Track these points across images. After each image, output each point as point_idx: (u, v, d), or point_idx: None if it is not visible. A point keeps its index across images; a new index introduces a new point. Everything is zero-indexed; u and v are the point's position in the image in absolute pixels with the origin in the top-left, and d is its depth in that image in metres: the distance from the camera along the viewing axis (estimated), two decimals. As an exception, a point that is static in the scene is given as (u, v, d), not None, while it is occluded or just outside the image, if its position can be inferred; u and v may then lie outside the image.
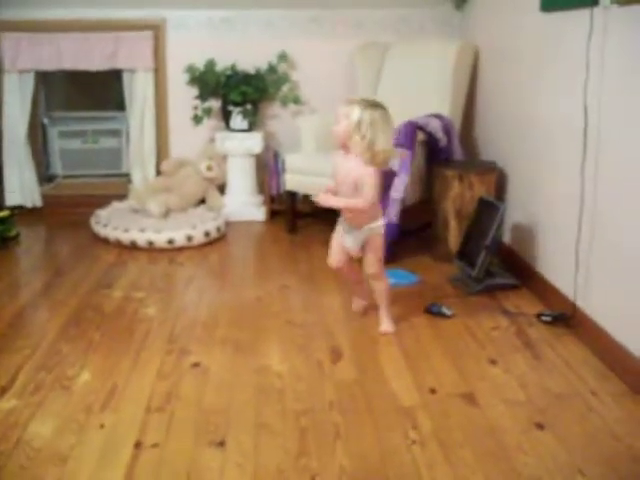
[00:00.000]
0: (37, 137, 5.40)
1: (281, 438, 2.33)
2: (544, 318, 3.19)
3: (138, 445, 2.29)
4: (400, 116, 4.14)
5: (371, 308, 3.31)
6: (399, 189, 3.87)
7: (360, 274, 3.28)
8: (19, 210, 5.01)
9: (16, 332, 3.18)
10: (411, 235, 4.26)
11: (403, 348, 2.97)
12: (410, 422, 2.42)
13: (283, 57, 4.93)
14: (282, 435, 2.35)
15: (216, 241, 4.41)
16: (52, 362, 2.87)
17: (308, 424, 2.41)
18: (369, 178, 2.88)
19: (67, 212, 5.12)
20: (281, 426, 2.40)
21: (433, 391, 2.62)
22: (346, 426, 2.40)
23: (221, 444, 2.30)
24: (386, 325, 3.17)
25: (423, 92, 4.52)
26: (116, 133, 5.55)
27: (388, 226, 3.84)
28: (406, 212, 3.95)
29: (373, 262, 3.10)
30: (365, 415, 2.47)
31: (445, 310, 3.28)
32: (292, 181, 4.45)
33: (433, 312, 3.29)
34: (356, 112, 2.84)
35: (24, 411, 2.51)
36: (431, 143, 4.13)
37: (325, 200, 3.00)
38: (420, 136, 4.04)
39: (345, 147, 2.93)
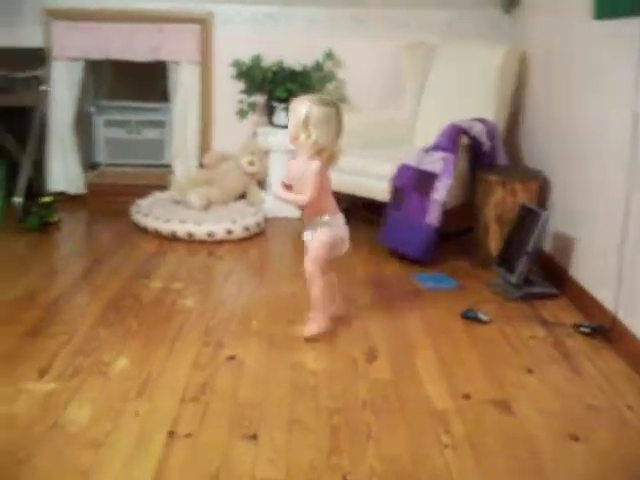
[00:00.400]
0: (83, 125, 5.46)
1: (313, 435, 2.33)
2: (583, 329, 3.15)
3: (172, 434, 2.31)
4: (444, 119, 4.15)
5: (399, 309, 3.32)
6: (441, 192, 3.85)
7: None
8: (62, 196, 5.07)
9: (55, 316, 3.23)
10: (451, 239, 4.24)
11: (438, 352, 2.96)
12: (443, 426, 2.41)
13: (329, 55, 4.93)
14: (315, 432, 2.35)
15: (255, 236, 4.42)
16: (90, 347, 2.90)
17: (341, 422, 2.41)
18: (311, 174, 2.89)
19: (109, 200, 5.17)
20: (314, 423, 2.40)
21: (467, 397, 2.61)
22: (378, 427, 2.39)
23: (254, 438, 2.31)
24: (309, 328, 3.06)
25: (468, 95, 4.49)
26: (160, 124, 5.59)
27: (428, 229, 3.84)
28: (447, 215, 3.93)
29: (308, 260, 3.03)
30: (398, 417, 2.46)
31: (482, 316, 3.26)
32: (335, 179, 4.42)
33: (470, 317, 3.27)
34: (303, 109, 2.88)
35: (62, 395, 2.54)
36: (475, 147, 4.10)
37: (275, 193, 3.11)
38: (464, 140, 4.02)
39: (295, 142, 2.96)
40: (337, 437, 2.33)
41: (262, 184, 4.92)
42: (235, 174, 4.81)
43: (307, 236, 3.08)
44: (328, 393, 2.60)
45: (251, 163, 4.80)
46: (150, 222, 4.38)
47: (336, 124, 2.92)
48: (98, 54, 5.06)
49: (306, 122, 2.86)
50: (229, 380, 2.67)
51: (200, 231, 4.25)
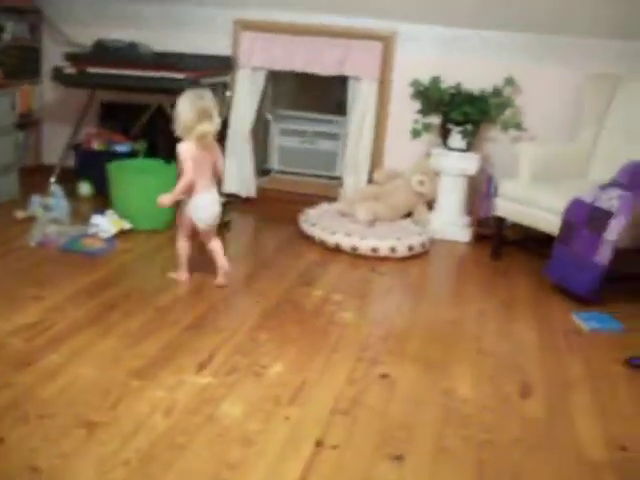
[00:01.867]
0: (259, 132, 5.65)
1: (460, 465, 2.31)
2: None
3: (319, 444, 2.35)
4: (624, 155, 3.99)
5: (557, 346, 3.22)
6: (614, 232, 3.70)
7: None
8: (234, 198, 5.27)
9: (218, 314, 3.36)
10: (623, 281, 4.06)
11: (596, 397, 2.84)
12: (593, 479, 2.31)
13: (510, 81, 4.86)
14: (461, 462, 2.32)
15: (418, 256, 4.41)
16: (248, 348, 3.00)
17: (489, 457, 2.37)
18: (180, 154, 3.55)
19: (277, 206, 5.33)
20: (462, 453, 2.37)
21: (624, 449, 2.49)
22: (525, 468, 2.33)
23: (399, 459, 2.30)
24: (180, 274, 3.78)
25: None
26: (334, 137, 5.69)
27: (597, 268, 3.70)
28: (620, 256, 3.77)
29: None
30: (547, 461, 2.38)
31: (649, 365, 3.12)
32: (503, 207, 4.38)
33: (635, 365, 3.12)
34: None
35: (218, 389, 2.64)
36: (657, 188, 3.92)
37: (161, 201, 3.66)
38: (645, 179, 3.85)
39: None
40: (483, 471, 2.29)
41: (430, 205, 4.91)
42: (404, 192, 4.83)
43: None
44: (479, 425, 2.56)
45: (421, 183, 4.80)
46: (316, 232, 4.46)
47: (199, 103, 3.50)
48: (282, 65, 5.23)
49: (176, 111, 3.54)
50: (380, 398, 2.68)
51: (364, 246, 4.28)
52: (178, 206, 3.73)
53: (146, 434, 2.33)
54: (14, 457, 2.17)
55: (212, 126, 3.53)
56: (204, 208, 3.63)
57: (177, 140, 3.48)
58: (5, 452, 2.20)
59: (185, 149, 3.53)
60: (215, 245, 3.73)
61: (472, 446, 2.42)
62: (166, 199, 3.62)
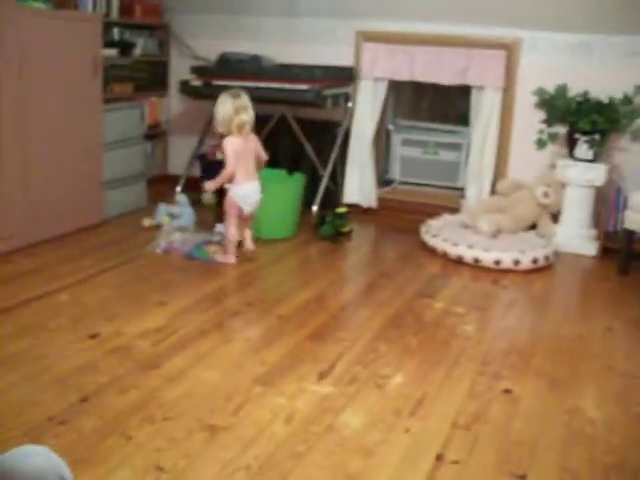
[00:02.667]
0: (381, 142, 5.65)
1: (586, 487, 2.22)
2: None
3: (440, 458, 2.31)
4: None
5: None
6: None
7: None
8: (355, 208, 5.29)
9: (339, 324, 3.37)
10: None
11: None
12: None
13: (641, 89, 4.69)
14: (588, 483, 2.24)
15: (542, 269, 4.29)
16: (368, 359, 2.99)
17: (617, 480, 2.27)
18: (224, 147, 4.04)
19: (398, 216, 5.32)
20: (587, 476, 2.28)
21: None
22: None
23: (522, 478, 2.23)
24: (221, 256, 4.15)
25: None
26: (457, 147, 5.61)
27: None
28: None
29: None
30: (683, 485, 2.27)
31: None
32: (633, 220, 4.21)
33: None
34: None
35: (338, 399, 2.64)
36: None
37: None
38: None
39: None
40: (612, 495, 2.20)
41: (555, 217, 4.77)
42: (528, 204, 4.71)
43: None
44: (606, 447, 2.45)
45: (546, 194, 4.67)
46: (438, 243, 4.42)
47: (231, 100, 4.05)
48: (403, 75, 5.21)
49: (216, 111, 4.09)
50: (502, 414, 2.61)
51: (487, 258, 4.21)
52: (223, 194, 4.23)
53: (266, 441, 2.35)
54: (140, 455, 2.24)
55: (248, 116, 4.07)
56: (250, 196, 4.12)
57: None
58: (132, 450, 2.27)
59: (229, 143, 4.04)
60: (248, 232, 4.22)
61: (598, 469, 2.32)
62: (211, 185, 4.14)
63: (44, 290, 3.57)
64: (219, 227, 4.43)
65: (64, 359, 2.85)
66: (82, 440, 2.31)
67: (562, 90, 4.82)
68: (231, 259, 4.11)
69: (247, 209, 4.10)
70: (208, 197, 5.22)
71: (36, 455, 1.26)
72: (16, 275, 3.76)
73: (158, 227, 4.56)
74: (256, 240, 4.34)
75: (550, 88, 4.86)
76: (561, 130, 4.87)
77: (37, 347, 2.95)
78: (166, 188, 5.31)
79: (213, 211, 5.03)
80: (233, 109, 4.01)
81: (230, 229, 4.11)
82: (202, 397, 2.61)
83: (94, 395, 2.59)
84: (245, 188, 4.09)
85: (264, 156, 4.26)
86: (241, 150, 4.05)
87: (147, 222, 4.71)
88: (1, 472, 1.21)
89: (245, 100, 4.07)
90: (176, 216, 4.59)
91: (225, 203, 4.14)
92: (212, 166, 4.97)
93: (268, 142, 5.39)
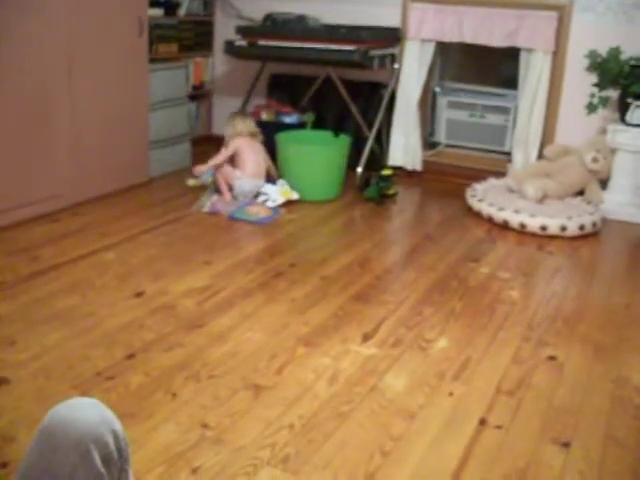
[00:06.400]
0: (427, 104, 5.58)
1: (631, 456, 2.19)
2: None
3: (483, 422, 2.31)
4: None
5: None
6: None
7: None
8: (400, 171, 5.25)
9: (384, 286, 3.36)
10: None
11: None
12: None
13: (698, 52, 4.56)
14: (633, 453, 2.21)
15: (589, 236, 4.23)
16: (413, 321, 2.99)
17: (663, 449, 2.25)
18: (231, 137, 4.55)
19: (443, 180, 5.28)
20: (633, 443, 2.26)
21: None
22: None
23: (565, 445, 2.22)
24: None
25: None
26: (504, 111, 5.52)
27: None
28: None
29: None
30: None
31: None
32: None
33: None
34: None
35: (382, 361, 2.65)
36: None
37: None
38: None
39: None
40: (657, 464, 2.18)
41: (604, 183, 4.69)
42: (576, 169, 4.64)
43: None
44: (653, 415, 2.43)
45: (595, 160, 4.59)
46: (484, 207, 4.37)
47: (236, 119, 4.63)
48: (451, 37, 5.12)
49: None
50: (547, 380, 2.60)
51: (533, 223, 4.15)
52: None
53: (310, 401, 2.37)
54: (185, 412, 2.27)
55: (255, 128, 4.60)
56: (251, 192, 4.41)
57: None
58: (177, 407, 2.30)
59: (236, 139, 4.50)
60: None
61: (645, 437, 2.31)
62: (202, 168, 4.46)
63: (91, 249, 3.62)
64: (265, 188, 4.44)
65: (111, 316, 2.90)
66: (129, 395, 2.35)
67: (615, 53, 4.70)
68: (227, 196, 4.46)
69: (233, 194, 4.46)
70: (193, 182, 4.79)
71: (89, 407, 1.27)
72: (63, 234, 3.81)
73: (202, 187, 4.58)
74: (299, 201, 4.34)
75: (602, 51, 4.75)
76: (613, 94, 4.76)
77: (85, 304, 3.00)
78: (210, 148, 5.31)
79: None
80: (244, 127, 4.56)
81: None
82: (246, 357, 2.64)
83: (140, 352, 2.63)
84: (252, 185, 4.42)
85: (271, 164, 4.65)
86: (254, 145, 4.53)
87: (192, 182, 4.73)
88: (54, 423, 1.23)
89: (252, 123, 4.63)
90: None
91: (224, 174, 4.47)
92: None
93: (314, 103, 5.40)
